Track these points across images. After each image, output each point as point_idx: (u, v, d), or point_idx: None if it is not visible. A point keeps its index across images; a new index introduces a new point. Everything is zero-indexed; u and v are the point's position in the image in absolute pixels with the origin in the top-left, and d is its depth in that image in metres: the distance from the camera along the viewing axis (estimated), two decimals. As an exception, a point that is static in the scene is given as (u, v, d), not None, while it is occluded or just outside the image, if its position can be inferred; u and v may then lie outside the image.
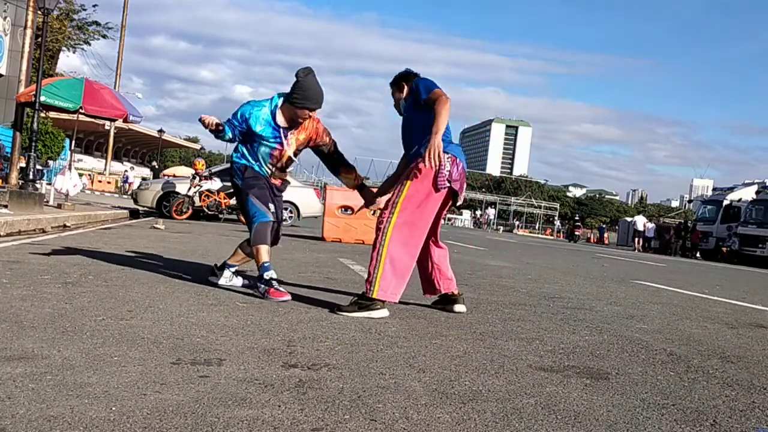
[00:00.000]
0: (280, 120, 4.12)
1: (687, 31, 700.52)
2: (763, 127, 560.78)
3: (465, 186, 3.91)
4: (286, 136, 4.17)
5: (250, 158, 4.21)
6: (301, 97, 3.99)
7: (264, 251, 4.01)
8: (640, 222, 32.00)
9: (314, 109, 4.07)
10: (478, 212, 62.45)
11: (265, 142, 4.15)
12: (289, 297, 3.91)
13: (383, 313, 3.62)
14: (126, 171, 39.42)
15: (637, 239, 31.02)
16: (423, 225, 3.68)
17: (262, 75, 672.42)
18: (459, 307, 4.05)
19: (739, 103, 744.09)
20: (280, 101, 4.12)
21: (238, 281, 4.39)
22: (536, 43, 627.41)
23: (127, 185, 33.45)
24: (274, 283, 3.96)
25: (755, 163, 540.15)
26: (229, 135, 4.14)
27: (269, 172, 4.24)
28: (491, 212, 54.31)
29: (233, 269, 4.38)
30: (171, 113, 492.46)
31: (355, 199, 11.38)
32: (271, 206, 4.16)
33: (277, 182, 4.31)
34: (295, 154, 4.31)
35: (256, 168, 4.21)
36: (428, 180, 3.62)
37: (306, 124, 4.19)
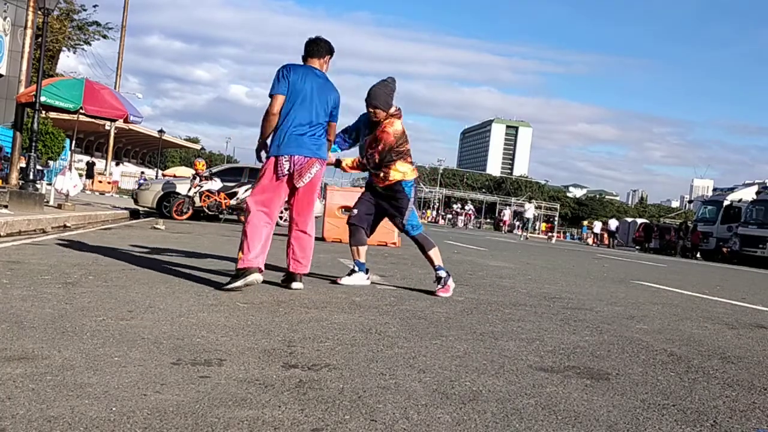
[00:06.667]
0: None
1: (682, 31, 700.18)
2: (760, 127, 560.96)
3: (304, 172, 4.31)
4: None
5: None
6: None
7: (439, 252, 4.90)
8: (614, 224, 40.10)
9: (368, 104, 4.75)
10: (456, 206, 53.91)
11: None
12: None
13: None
14: (142, 174, 39.91)
15: (610, 238, 38.84)
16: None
17: (257, 75, 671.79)
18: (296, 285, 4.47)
19: (734, 104, 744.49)
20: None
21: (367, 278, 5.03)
22: (532, 43, 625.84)
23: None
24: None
25: (753, 163, 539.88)
26: None
27: None
28: (507, 212, 43.07)
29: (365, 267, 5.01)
30: (167, 113, 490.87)
31: (356, 199, 11.44)
32: None
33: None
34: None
35: None
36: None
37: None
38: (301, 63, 4.44)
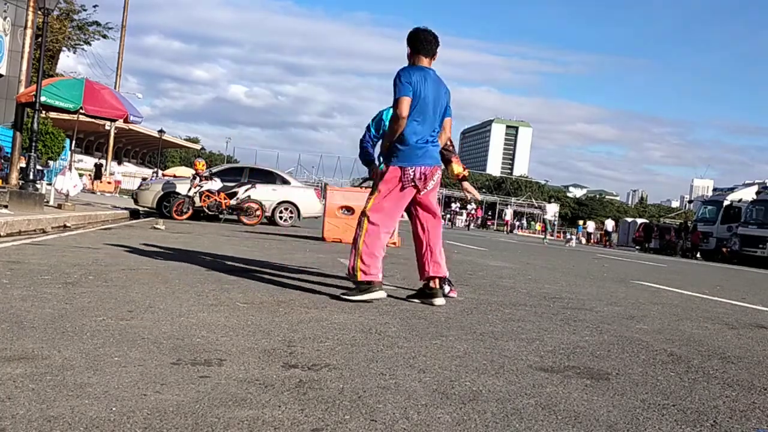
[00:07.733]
0: None
1: (682, 31, 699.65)
2: (759, 127, 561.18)
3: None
4: None
5: None
6: None
7: None
8: (610, 224, 43.38)
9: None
10: (456, 205, 52.20)
11: None
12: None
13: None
14: (153, 174, 39.87)
15: (607, 238, 41.67)
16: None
17: (256, 74, 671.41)
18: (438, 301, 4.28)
19: (734, 104, 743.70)
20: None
21: None
22: (531, 43, 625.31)
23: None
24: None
25: (752, 163, 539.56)
26: None
27: None
28: (508, 212, 42.54)
29: None
30: (167, 113, 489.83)
31: (356, 199, 11.44)
32: None
33: None
34: None
35: None
36: None
37: None
38: (414, 65, 4.11)
